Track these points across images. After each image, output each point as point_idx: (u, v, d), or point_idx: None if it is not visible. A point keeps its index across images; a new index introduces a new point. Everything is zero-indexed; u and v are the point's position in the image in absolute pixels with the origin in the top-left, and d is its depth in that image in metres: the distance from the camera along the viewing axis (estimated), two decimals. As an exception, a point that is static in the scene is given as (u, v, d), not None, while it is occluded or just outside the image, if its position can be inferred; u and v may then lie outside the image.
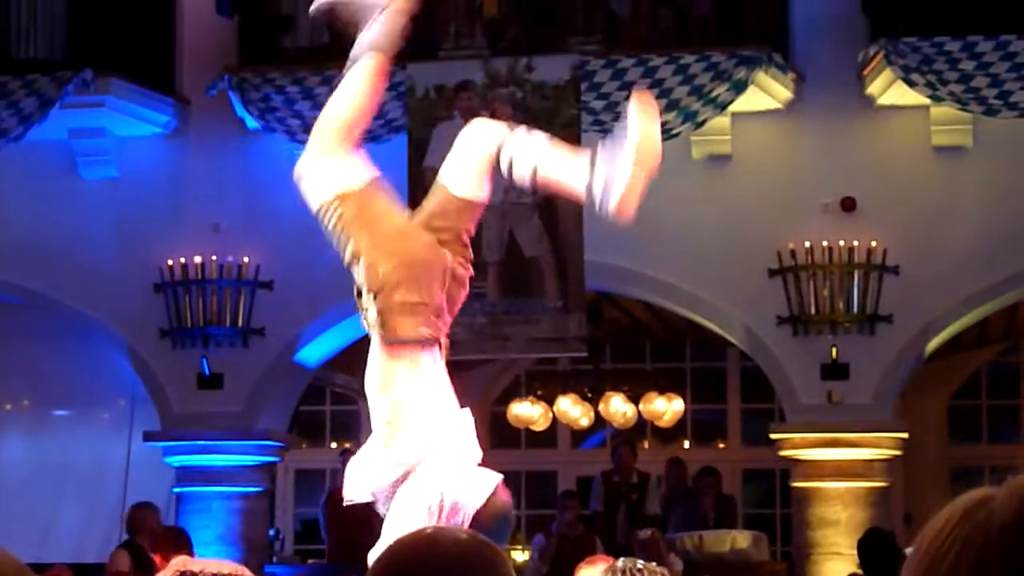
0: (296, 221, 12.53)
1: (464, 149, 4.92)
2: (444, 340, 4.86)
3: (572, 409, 16.25)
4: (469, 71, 12.40)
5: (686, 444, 17.93)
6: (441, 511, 4.66)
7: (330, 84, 14.05)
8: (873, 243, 12.43)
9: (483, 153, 4.85)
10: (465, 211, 4.91)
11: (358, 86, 5.12)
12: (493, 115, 12.28)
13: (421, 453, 4.74)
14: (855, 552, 10.92)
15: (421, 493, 4.69)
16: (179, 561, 5.22)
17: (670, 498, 14.38)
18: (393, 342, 4.78)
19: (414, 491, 4.71)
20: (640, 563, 5.02)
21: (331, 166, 4.93)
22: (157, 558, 8.69)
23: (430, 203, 4.93)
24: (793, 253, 12.48)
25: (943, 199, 12.48)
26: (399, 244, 4.84)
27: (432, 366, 4.80)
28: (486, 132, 4.91)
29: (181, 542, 8.77)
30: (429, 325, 4.78)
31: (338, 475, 14.55)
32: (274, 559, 14.34)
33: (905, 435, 12.73)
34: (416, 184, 12.28)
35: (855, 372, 12.45)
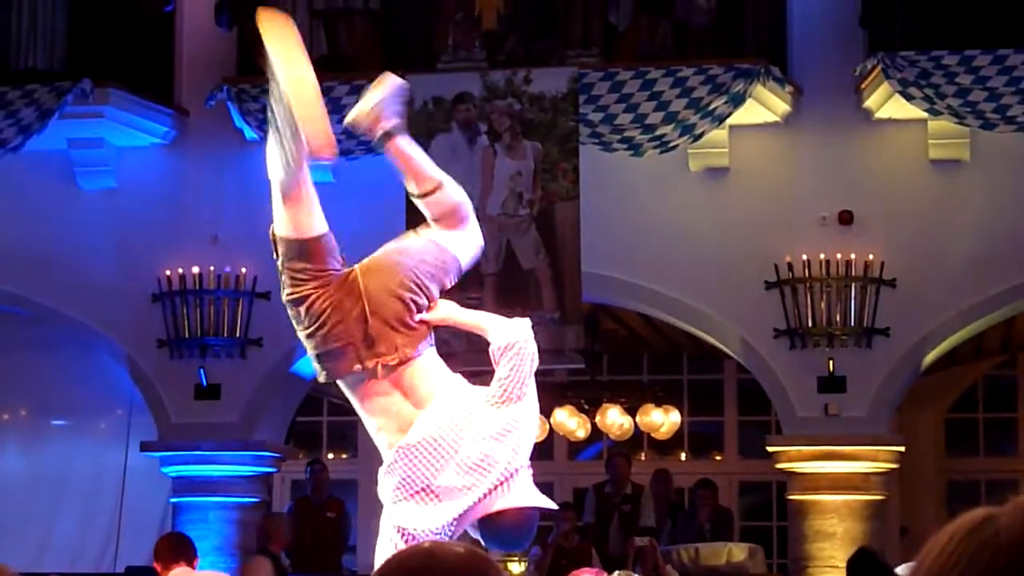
0: (294, 232, 12.55)
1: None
2: (395, 357, 4.94)
3: (569, 421, 16.24)
4: (467, 83, 12.42)
5: (683, 456, 17.93)
6: (403, 542, 4.78)
7: (328, 95, 14.03)
8: (870, 256, 12.44)
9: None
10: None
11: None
12: (491, 127, 12.33)
13: (379, 487, 4.90)
14: (851, 565, 10.91)
15: (384, 528, 4.84)
16: (177, 574, 5.23)
17: (659, 510, 14.38)
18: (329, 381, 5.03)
19: (382, 525, 4.86)
20: (636, 576, 5.03)
21: (287, 205, 5.07)
22: (157, 566, 8.66)
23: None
24: (790, 266, 12.49)
25: (940, 212, 12.49)
26: (308, 300, 5.06)
27: (375, 396, 4.91)
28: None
29: (181, 549, 8.74)
30: (360, 360, 4.90)
31: (305, 485, 14.61)
32: (270, 570, 14.33)
33: (902, 448, 12.74)
34: (414, 196, 12.31)
35: (852, 385, 12.46)
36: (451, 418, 4.89)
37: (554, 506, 5.02)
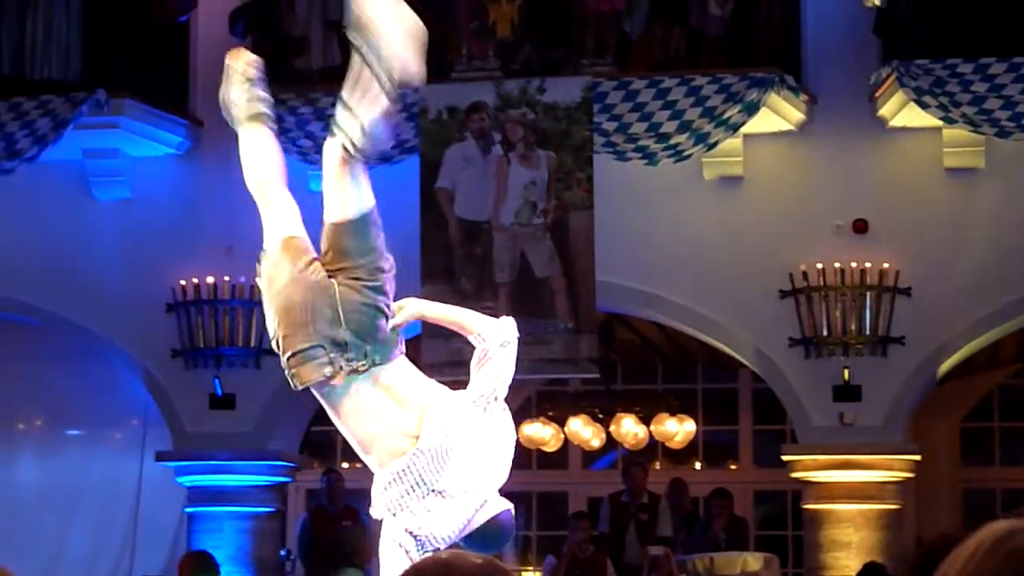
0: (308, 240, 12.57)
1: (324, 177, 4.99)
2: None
3: (583, 430, 16.23)
4: (481, 92, 12.42)
5: (697, 465, 17.90)
6: (415, 547, 4.76)
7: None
8: (885, 265, 12.42)
9: (330, 174, 4.92)
10: (342, 232, 4.94)
11: (246, 157, 5.26)
12: (505, 136, 12.33)
13: (374, 490, 4.87)
14: None
15: (391, 535, 4.81)
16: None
17: (675, 520, 14.35)
18: (305, 388, 4.94)
19: (386, 533, 4.83)
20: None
21: (264, 220, 5.10)
22: None
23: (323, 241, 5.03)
24: (805, 275, 12.47)
25: (955, 221, 12.47)
26: (278, 300, 4.98)
27: (363, 404, 4.90)
28: (328, 156, 4.97)
29: (204, 567, 8.76)
30: (331, 363, 4.88)
31: (320, 495, 14.59)
32: (285, 579, 14.34)
33: (917, 457, 12.71)
34: (428, 205, 12.31)
35: (867, 394, 12.44)
36: (455, 421, 4.88)
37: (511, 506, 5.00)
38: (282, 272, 4.97)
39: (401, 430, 4.86)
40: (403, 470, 4.81)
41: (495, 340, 5.02)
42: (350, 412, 4.93)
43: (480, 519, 4.82)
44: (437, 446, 4.82)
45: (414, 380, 4.98)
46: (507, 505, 4.90)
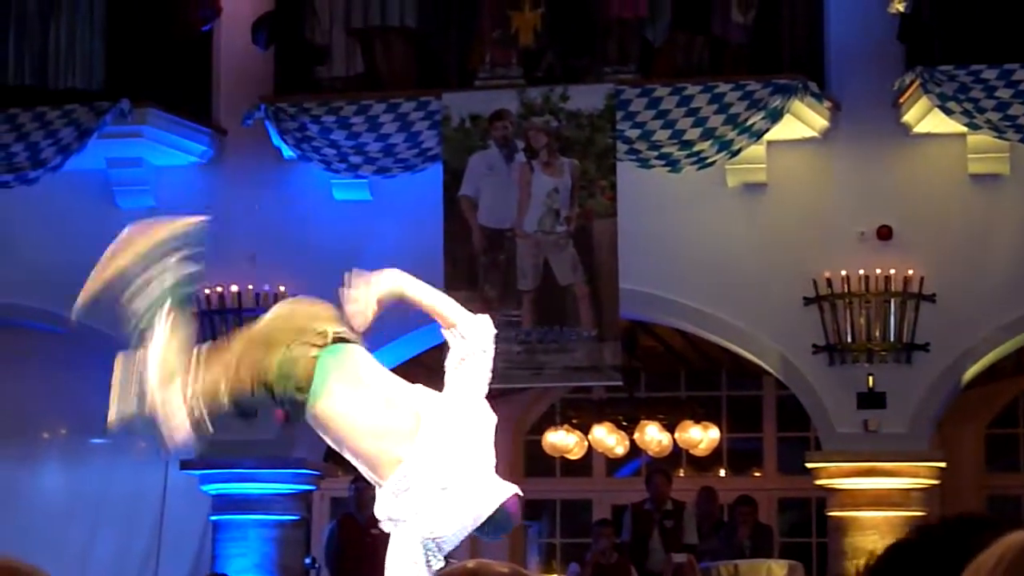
0: (332, 249, 12.59)
1: None
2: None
3: (607, 437, 16.23)
4: (504, 100, 12.43)
5: (721, 473, 17.88)
6: (423, 557, 4.78)
7: (365, 114, 14.05)
8: (910, 271, 12.39)
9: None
10: None
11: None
12: (528, 144, 12.34)
13: (379, 503, 4.88)
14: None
15: (401, 547, 4.81)
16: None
17: (705, 528, 14.32)
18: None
19: (395, 545, 4.83)
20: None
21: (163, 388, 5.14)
22: None
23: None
24: (829, 281, 12.45)
25: (980, 227, 12.44)
26: (233, 366, 5.01)
27: (357, 418, 4.96)
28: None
29: None
30: (315, 345, 5.05)
31: (348, 503, 14.59)
32: (310, 587, 14.33)
33: (942, 464, 12.67)
34: (451, 213, 12.31)
35: (892, 401, 12.41)
36: (449, 422, 4.87)
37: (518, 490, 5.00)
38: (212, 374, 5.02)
39: (397, 437, 4.86)
40: (407, 476, 4.81)
41: (475, 345, 4.98)
42: (344, 425, 4.92)
43: (487, 510, 4.81)
44: (435, 448, 4.81)
45: (398, 383, 5.00)
46: (512, 490, 4.88)
